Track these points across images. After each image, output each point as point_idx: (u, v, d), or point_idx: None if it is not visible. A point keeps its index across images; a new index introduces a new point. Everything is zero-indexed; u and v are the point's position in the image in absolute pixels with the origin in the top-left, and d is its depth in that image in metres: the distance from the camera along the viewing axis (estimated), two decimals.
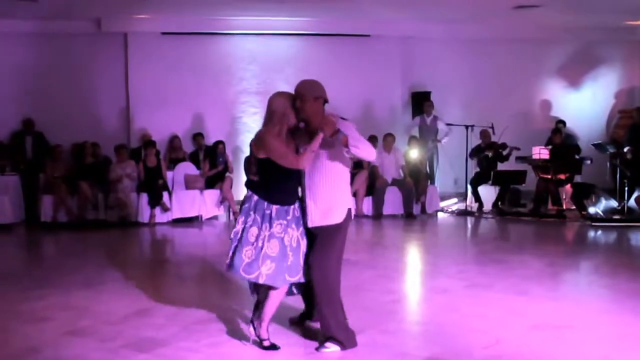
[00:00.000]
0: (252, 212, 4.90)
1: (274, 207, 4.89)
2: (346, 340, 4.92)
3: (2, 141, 13.44)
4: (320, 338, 4.98)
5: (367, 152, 4.88)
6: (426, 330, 5.48)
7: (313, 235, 4.97)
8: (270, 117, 4.91)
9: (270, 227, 4.85)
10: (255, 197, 4.94)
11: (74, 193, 12.16)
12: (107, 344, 5.08)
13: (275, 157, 4.83)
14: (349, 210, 5.00)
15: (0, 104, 13.64)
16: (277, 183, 4.92)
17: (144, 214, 12.24)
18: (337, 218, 4.92)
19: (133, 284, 7.19)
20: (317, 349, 4.95)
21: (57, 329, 5.48)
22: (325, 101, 4.93)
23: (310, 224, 4.94)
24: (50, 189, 12.19)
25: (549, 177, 12.68)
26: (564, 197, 12.83)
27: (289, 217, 4.92)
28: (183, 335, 5.26)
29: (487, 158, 13.69)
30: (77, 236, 11.21)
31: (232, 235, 4.95)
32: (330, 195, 4.93)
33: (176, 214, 12.42)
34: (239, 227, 4.93)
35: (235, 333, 5.30)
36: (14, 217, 12.12)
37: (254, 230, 4.85)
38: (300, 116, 4.89)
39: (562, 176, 12.73)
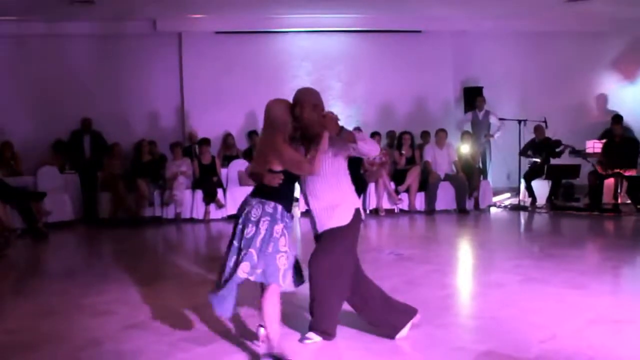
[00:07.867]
0: (279, 221, 4.60)
1: (287, 215, 4.72)
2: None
3: (62, 140, 13.74)
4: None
5: (372, 147, 4.91)
6: (482, 324, 5.45)
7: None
8: (271, 124, 4.78)
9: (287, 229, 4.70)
10: (277, 206, 4.65)
11: (131, 190, 12.42)
12: (166, 337, 5.18)
13: (290, 166, 4.66)
14: (357, 210, 4.96)
15: (59, 104, 14.02)
16: (287, 189, 4.76)
17: (199, 211, 12.41)
18: (344, 219, 4.90)
19: (189, 280, 7.33)
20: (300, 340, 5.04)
21: (117, 323, 5.59)
22: (322, 110, 4.88)
23: (320, 229, 4.96)
24: (108, 187, 12.47)
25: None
26: (619, 191, 12.60)
27: (289, 222, 4.72)
28: (240, 330, 5.32)
29: (540, 152, 13.50)
30: (134, 233, 11.42)
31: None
32: (334, 196, 4.91)
33: (230, 210, 12.51)
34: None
35: (292, 327, 5.33)
36: (74, 214, 12.42)
37: (282, 240, 4.59)
38: (299, 124, 4.82)
39: (633, 172, 12.40)
